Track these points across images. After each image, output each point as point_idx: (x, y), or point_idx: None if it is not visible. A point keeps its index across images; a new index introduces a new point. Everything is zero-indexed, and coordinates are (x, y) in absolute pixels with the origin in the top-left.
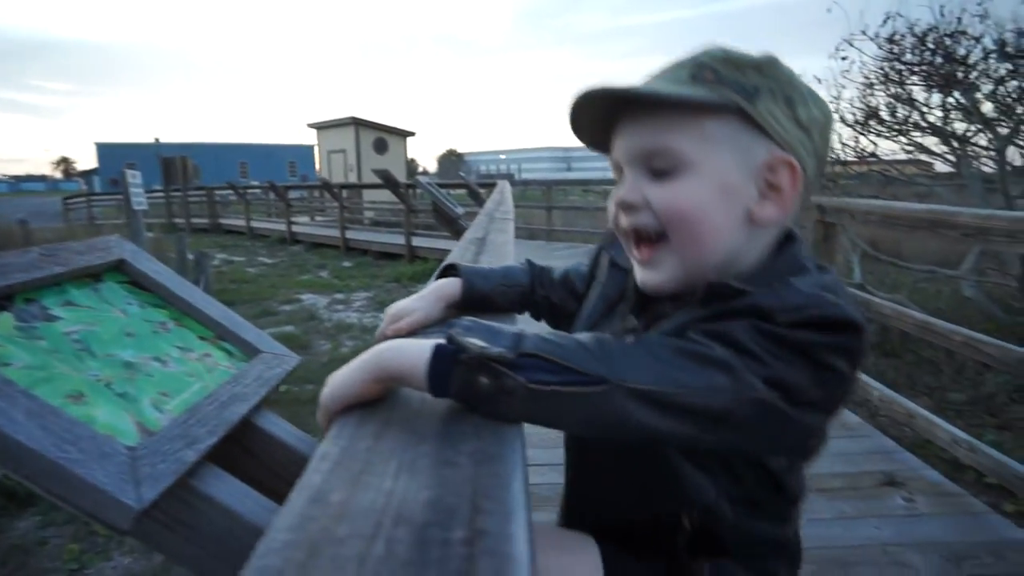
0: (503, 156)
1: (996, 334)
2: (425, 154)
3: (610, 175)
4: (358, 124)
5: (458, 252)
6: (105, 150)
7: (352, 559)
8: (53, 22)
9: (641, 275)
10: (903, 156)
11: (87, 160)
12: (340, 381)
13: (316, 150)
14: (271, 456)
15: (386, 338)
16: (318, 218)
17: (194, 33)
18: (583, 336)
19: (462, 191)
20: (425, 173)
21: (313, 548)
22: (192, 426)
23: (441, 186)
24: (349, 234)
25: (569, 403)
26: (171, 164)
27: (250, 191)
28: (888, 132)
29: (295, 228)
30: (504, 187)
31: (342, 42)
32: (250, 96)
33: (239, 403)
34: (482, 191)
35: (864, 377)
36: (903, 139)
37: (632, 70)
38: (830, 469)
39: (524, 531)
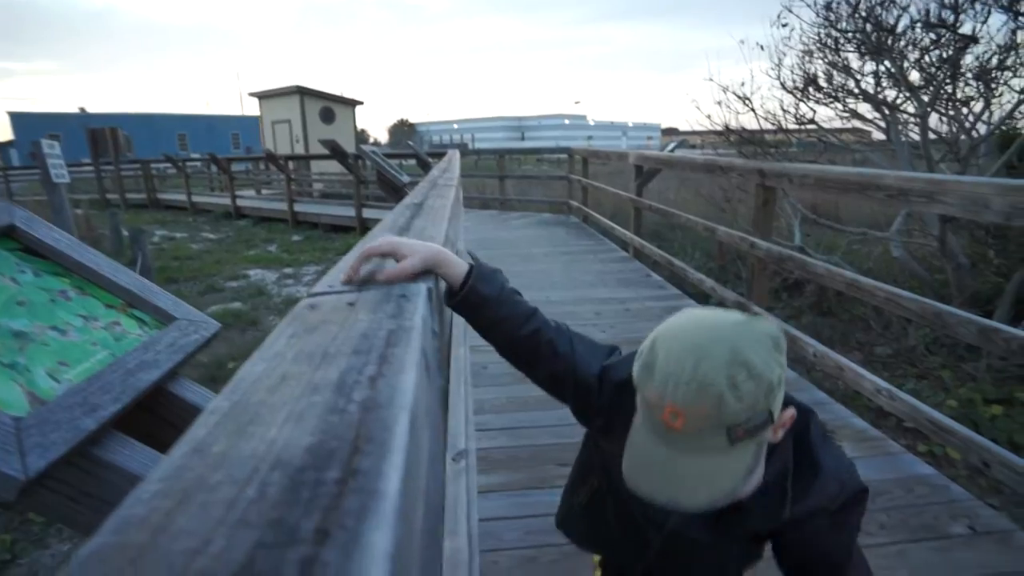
0: (456, 126)
1: (918, 291)
2: (376, 124)
3: (562, 143)
4: (303, 93)
5: (392, 217)
6: (21, 121)
7: (221, 503)
8: None
9: None
10: (839, 123)
11: (1, 132)
12: (412, 245)
13: (261, 121)
14: (189, 424)
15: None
16: (264, 191)
17: None
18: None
19: (413, 162)
20: (376, 144)
21: (184, 495)
22: (92, 394)
23: (390, 156)
24: (297, 207)
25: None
26: (99, 135)
27: (190, 164)
28: (825, 99)
29: (240, 202)
30: (453, 156)
31: (282, 6)
32: (188, 65)
33: (149, 370)
34: (432, 161)
35: (800, 335)
36: (839, 105)
37: (581, 37)
38: None
39: (399, 469)
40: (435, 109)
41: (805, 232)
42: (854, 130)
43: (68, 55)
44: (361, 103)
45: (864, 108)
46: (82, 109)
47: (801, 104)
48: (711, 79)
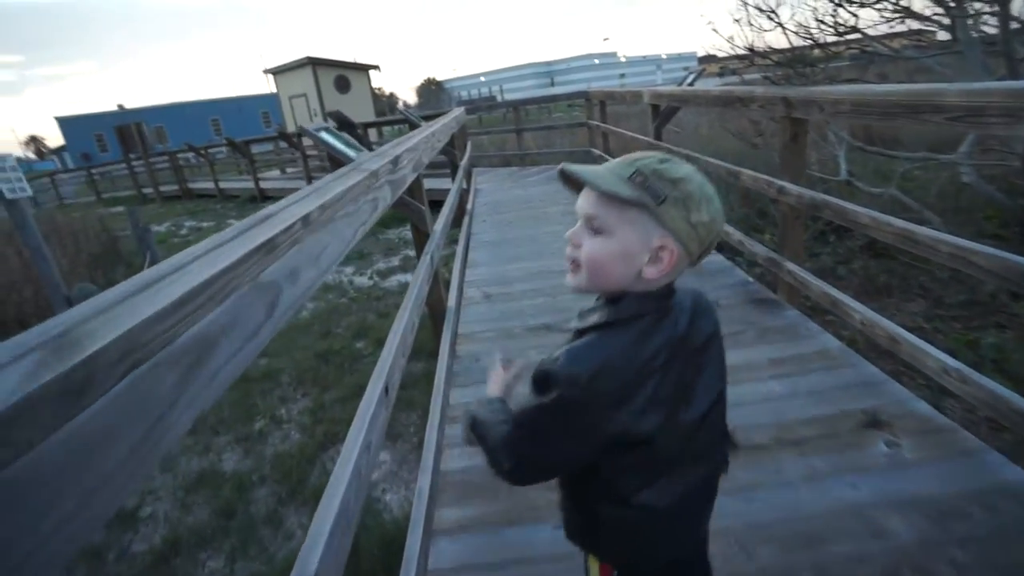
0: (483, 78)
1: (996, 222)
2: (404, 86)
3: (594, 84)
4: (315, 64)
5: (190, 250)
6: (68, 124)
7: None
8: None
9: (568, 279)
10: (887, 28)
11: (57, 136)
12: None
13: (278, 98)
14: None
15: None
16: (289, 170)
17: None
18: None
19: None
20: (406, 106)
21: None
22: None
23: (383, 124)
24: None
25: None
26: (126, 132)
27: (215, 150)
28: None
29: (264, 184)
30: (443, 118)
31: None
32: (215, 49)
33: None
34: (424, 123)
35: (843, 298)
36: (888, 4)
37: None
38: (803, 414)
39: None
40: (463, 64)
41: (854, 161)
42: (909, 33)
43: (104, 53)
44: (376, 67)
45: (920, 3)
46: (120, 106)
47: (839, 9)
48: None
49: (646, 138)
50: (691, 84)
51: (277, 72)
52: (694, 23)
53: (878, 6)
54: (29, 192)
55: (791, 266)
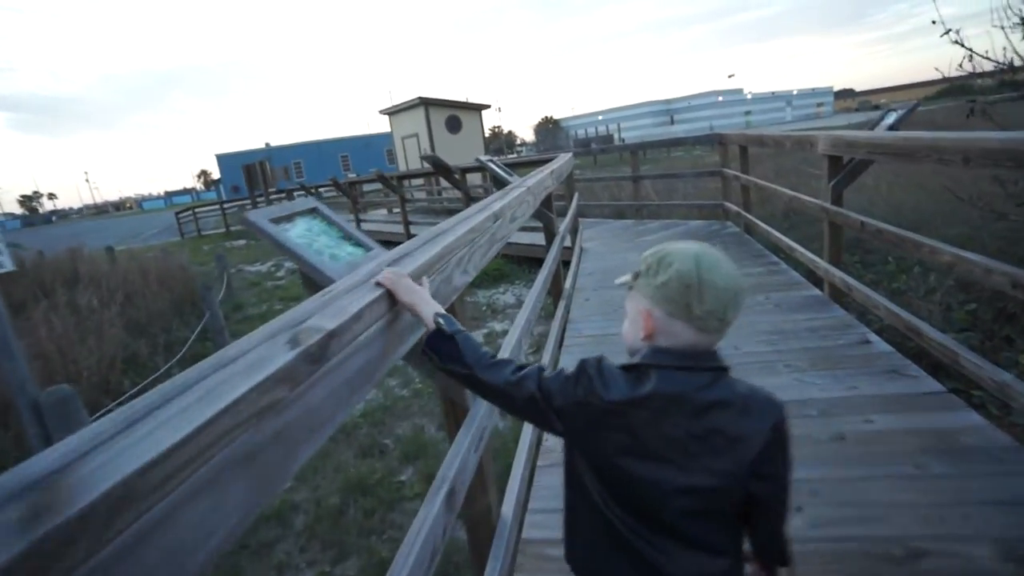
0: (600, 117)
1: None
2: (522, 125)
3: (716, 123)
4: (427, 104)
5: None
6: (224, 159)
7: None
8: (181, 52)
9: None
10: None
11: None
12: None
13: (392, 139)
14: None
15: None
16: (396, 210)
17: (289, 40)
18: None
19: (523, 168)
20: (524, 145)
21: None
22: None
23: (472, 170)
24: (415, 229)
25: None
26: (252, 170)
27: (324, 188)
28: None
29: (364, 226)
30: (541, 172)
31: (430, 22)
32: (348, 88)
33: None
34: (511, 177)
35: None
36: None
37: (734, 5)
38: None
39: None
40: (581, 102)
41: None
42: None
43: (259, 97)
44: (487, 107)
45: None
46: (267, 144)
47: None
48: None
49: (816, 201)
50: (893, 127)
51: (391, 112)
52: (828, 56)
53: None
54: (8, 266)
55: None
